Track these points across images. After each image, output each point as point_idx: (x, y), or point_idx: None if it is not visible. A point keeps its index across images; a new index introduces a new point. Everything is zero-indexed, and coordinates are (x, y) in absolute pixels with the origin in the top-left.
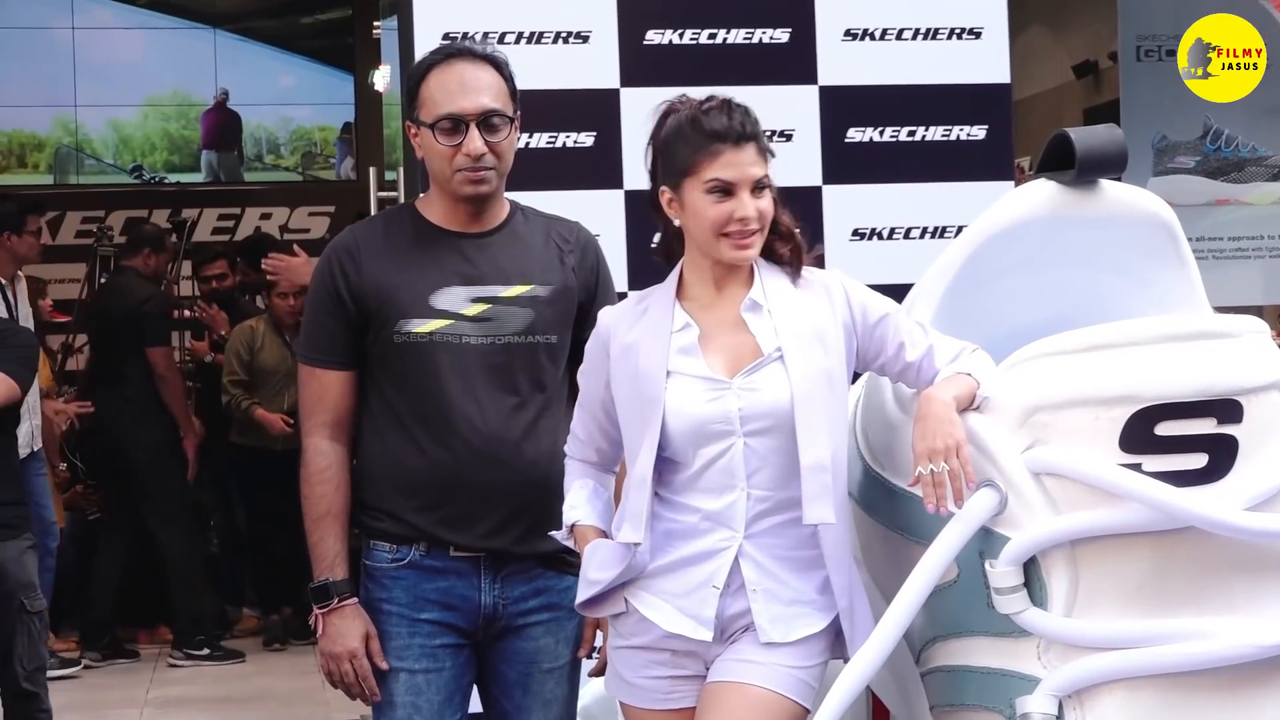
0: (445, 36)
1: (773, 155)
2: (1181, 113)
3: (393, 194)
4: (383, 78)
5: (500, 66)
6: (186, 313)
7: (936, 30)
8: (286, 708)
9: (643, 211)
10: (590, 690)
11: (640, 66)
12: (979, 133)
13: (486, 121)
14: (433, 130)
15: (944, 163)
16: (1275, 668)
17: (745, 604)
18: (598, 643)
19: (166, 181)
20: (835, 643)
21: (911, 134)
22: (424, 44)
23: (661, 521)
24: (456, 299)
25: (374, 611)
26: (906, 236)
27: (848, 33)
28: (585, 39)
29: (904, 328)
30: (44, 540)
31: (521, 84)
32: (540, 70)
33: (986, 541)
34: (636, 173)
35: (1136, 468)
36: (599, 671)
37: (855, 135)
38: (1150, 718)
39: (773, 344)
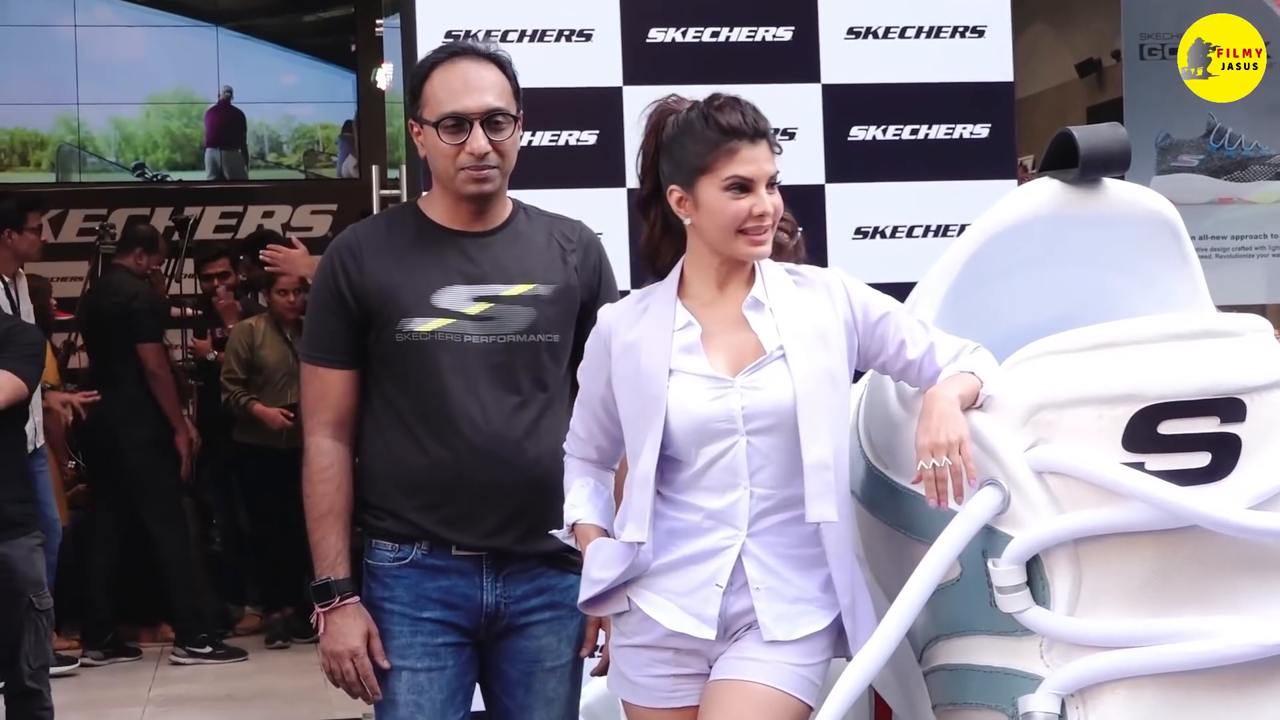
0: (448, 34)
1: (779, 151)
2: (1185, 111)
3: (395, 192)
4: (385, 76)
5: (504, 65)
6: (189, 310)
7: (939, 28)
8: (289, 706)
9: None
10: (593, 689)
11: (643, 65)
12: (982, 131)
13: (490, 120)
14: (436, 129)
15: (947, 161)
16: (1278, 667)
17: (748, 602)
18: (600, 641)
19: (169, 180)
20: (838, 641)
21: (914, 132)
22: (426, 42)
23: (664, 520)
24: (458, 298)
25: (376, 610)
26: (909, 235)
27: (850, 31)
28: (588, 37)
29: (905, 326)
30: (47, 537)
31: (524, 82)
32: (543, 68)
33: (989, 540)
34: None
35: (1139, 467)
36: (601, 670)
37: (858, 134)
38: (1153, 717)
39: (775, 342)
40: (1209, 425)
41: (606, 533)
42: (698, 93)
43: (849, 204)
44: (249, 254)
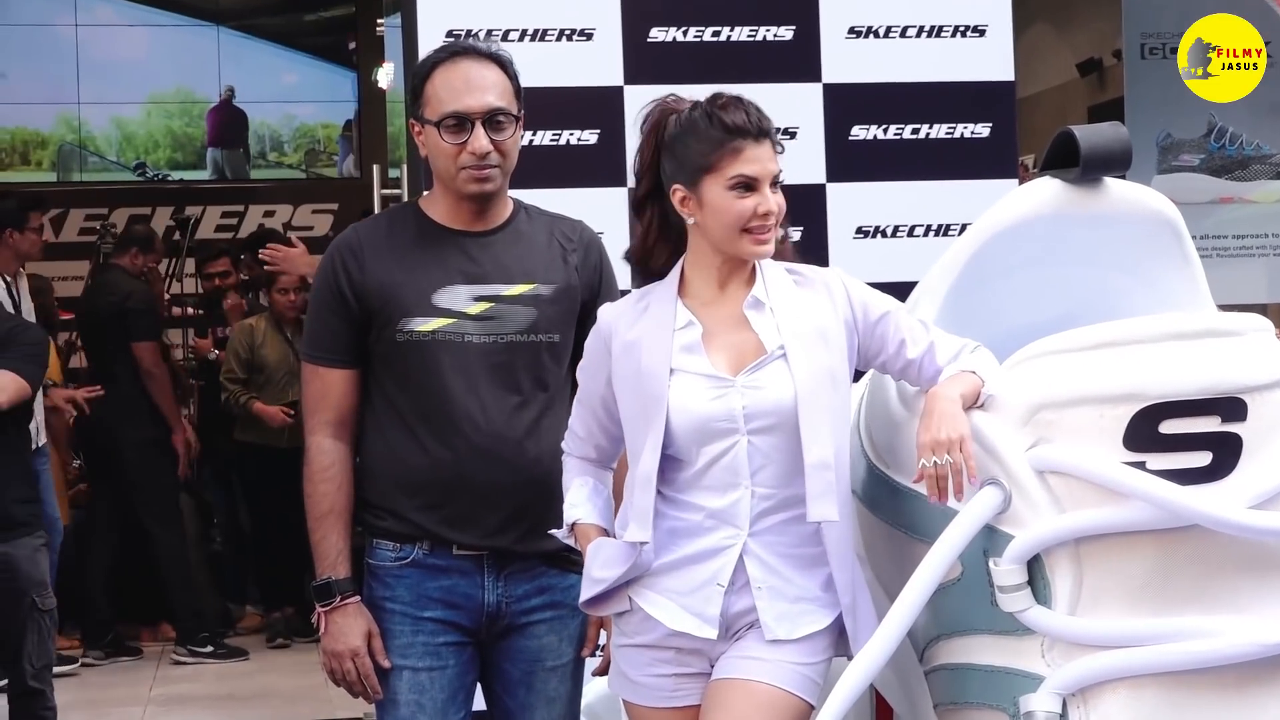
0: (449, 34)
1: (781, 150)
2: (1186, 111)
3: (396, 191)
4: (386, 75)
5: (505, 65)
6: (190, 310)
7: (940, 28)
8: (290, 705)
9: None
10: (594, 689)
11: (644, 64)
12: (983, 130)
13: (492, 120)
14: (438, 128)
15: (948, 160)
16: (1279, 667)
17: (750, 601)
18: (601, 641)
19: (170, 179)
20: (839, 640)
21: (915, 132)
22: (427, 41)
23: (665, 520)
24: (459, 297)
25: (377, 610)
26: (910, 234)
27: (852, 30)
28: (589, 36)
29: (905, 325)
30: (49, 536)
31: (525, 82)
32: (544, 68)
33: (990, 539)
34: None
35: (1141, 466)
36: (602, 670)
37: (859, 133)
38: (1154, 716)
39: (776, 342)
40: (1210, 425)
41: (606, 532)
42: (698, 92)
43: (850, 203)
44: (250, 252)
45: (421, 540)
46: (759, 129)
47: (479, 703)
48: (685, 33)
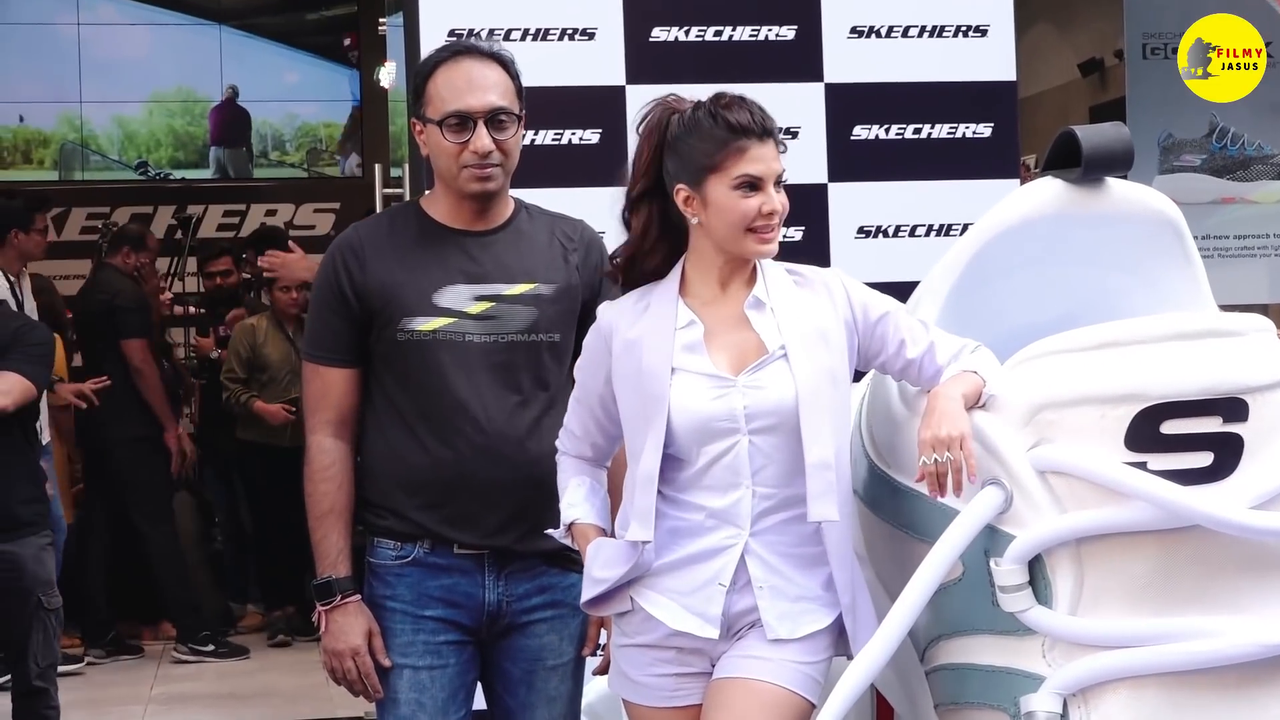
0: (451, 33)
1: (784, 149)
2: (1187, 111)
3: (398, 191)
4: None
5: (507, 64)
6: (191, 309)
7: (942, 28)
8: (290, 704)
9: None
10: (594, 688)
11: (645, 64)
12: (985, 130)
13: (494, 119)
14: (440, 127)
15: (949, 160)
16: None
17: (751, 601)
18: (601, 640)
19: (172, 178)
20: (840, 639)
21: (917, 131)
22: (429, 41)
23: (666, 519)
24: (460, 297)
25: (378, 609)
26: (912, 234)
27: (853, 30)
28: (591, 36)
29: (904, 325)
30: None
31: (527, 81)
32: (545, 67)
33: (991, 539)
34: None
35: (1142, 466)
36: (603, 670)
37: (861, 133)
38: (1155, 716)
39: (776, 342)
40: (1211, 425)
41: (605, 532)
42: (700, 92)
43: (852, 203)
44: (254, 250)
45: (422, 539)
46: (763, 128)
47: (479, 702)
48: (687, 32)
